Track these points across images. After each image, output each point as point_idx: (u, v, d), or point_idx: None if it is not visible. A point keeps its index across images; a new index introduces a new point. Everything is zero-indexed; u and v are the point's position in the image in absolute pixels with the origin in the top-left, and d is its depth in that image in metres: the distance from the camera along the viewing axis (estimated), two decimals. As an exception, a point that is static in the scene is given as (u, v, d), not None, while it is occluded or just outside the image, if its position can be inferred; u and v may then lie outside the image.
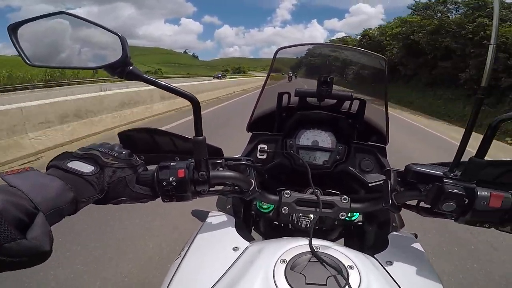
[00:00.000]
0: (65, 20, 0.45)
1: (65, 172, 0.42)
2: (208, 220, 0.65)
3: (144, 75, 0.44)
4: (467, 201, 0.46)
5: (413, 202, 0.54)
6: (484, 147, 0.43)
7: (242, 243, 0.55)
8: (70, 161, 0.43)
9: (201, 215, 0.74)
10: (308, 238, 0.50)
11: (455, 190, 0.45)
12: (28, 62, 0.43)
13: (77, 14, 0.44)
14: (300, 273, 0.42)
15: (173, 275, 0.49)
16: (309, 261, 0.44)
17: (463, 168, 0.46)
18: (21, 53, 0.43)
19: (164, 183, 0.48)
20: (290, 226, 0.76)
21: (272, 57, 0.81)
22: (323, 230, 0.78)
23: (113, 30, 0.44)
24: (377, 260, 0.52)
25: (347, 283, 0.40)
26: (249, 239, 0.58)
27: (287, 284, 0.40)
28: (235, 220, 0.64)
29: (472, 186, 0.45)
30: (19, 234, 0.31)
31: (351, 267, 0.43)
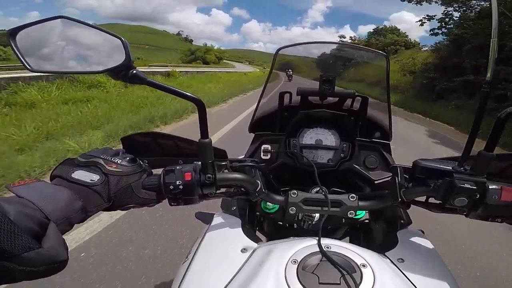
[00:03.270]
0: (65, 25, 0.45)
1: (71, 183, 0.41)
2: (214, 222, 0.64)
3: (148, 79, 0.43)
4: (478, 195, 0.45)
5: (422, 198, 0.54)
6: (493, 140, 0.43)
7: (250, 244, 0.54)
8: (74, 171, 0.43)
9: (206, 218, 0.73)
10: (317, 237, 0.49)
11: (466, 185, 0.44)
12: (29, 68, 0.42)
13: (77, 18, 0.44)
14: (313, 273, 0.41)
15: (182, 278, 0.49)
16: (321, 260, 0.44)
17: (473, 162, 0.46)
18: (22, 59, 0.42)
19: (171, 187, 0.48)
20: (295, 226, 0.76)
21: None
22: (328, 229, 0.77)
23: (114, 33, 0.44)
24: (388, 258, 0.52)
25: (361, 282, 0.40)
26: (256, 240, 0.57)
27: (300, 284, 0.39)
28: (241, 221, 0.63)
29: (483, 180, 0.45)
30: (36, 243, 0.31)
31: (364, 266, 0.43)
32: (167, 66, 20.14)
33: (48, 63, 0.45)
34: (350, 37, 36.80)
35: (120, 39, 0.42)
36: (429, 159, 0.55)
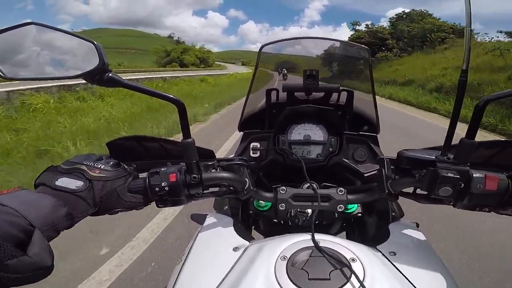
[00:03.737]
0: (35, 31, 0.44)
1: (55, 190, 0.41)
2: (206, 222, 0.64)
3: (125, 81, 0.43)
4: (463, 184, 0.45)
5: (410, 190, 0.54)
6: (473, 128, 0.43)
7: (242, 243, 0.54)
8: (58, 178, 0.43)
9: (200, 219, 0.72)
10: (307, 233, 0.49)
11: (449, 174, 0.44)
12: (2, 75, 0.41)
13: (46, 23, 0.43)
14: (302, 268, 0.41)
15: (175, 280, 0.48)
16: (310, 256, 0.43)
17: (455, 151, 0.46)
18: None
19: (157, 189, 0.47)
20: (289, 223, 0.76)
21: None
22: (323, 224, 0.77)
23: (86, 37, 0.43)
24: (379, 251, 0.52)
25: (351, 276, 0.39)
26: (249, 238, 0.57)
27: (290, 281, 0.39)
28: (233, 220, 0.63)
29: (466, 169, 0.45)
30: (19, 251, 0.32)
31: (353, 260, 0.43)
32: (136, 72, 17.18)
33: (22, 70, 0.45)
34: (366, 24, 29.98)
35: (93, 42, 0.41)
36: (414, 149, 0.55)
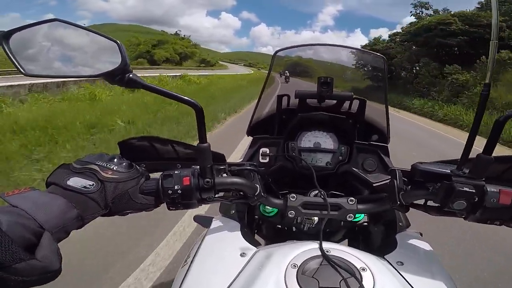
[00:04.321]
0: (59, 28, 0.44)
1: (66, 190, 0.41)
2: (213, 226, 0.64)
3: (144, 82, 0.43)
4: (477, 199, 0.45)
5: (420, 201, 0.53)
6: (491, 144, 0.43)
7: (249, 248, 0.54)
8: (70, 178, 0.42)
9: (205, 221, 0.72)
10: (316, 241, 0.49)
11: (465, 188, 0.44)
12: (23, 72, 0.42)
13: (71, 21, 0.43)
14: (312, 277, 0.41)
15: (181, 283, 0.48)
16: (321, 264, 0.43)
17: (471, 166, 0.45)
18: (16, 63, 0.41)
19: (170, 192, 0.47)
20: (294, 229, 0.75)
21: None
22: (327, 231, 0.77)
23: (109, 36, 0.43)
24: (387, 261, 0.52)
25: (361, 286, 0.39)
26: (255, 244, 0.57)
27: None
28: (240, 225, 0.63)
29: (481, 184, 0.45)
30: (28, 254, 0.31)
31: (363, 269, 0.43)
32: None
33: (42, 68, 0.45)
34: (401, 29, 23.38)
35: (116, 42, 0.42)
36: (428, 162, 0.55)
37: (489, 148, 0.43)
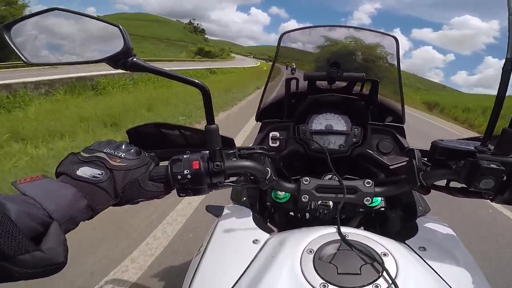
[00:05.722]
0: (61, 16, 0.43)
1: (76, 180, 0.40)
2: (225, 214, 0.63)
3: (149, 65, 0.41)
4: (505, 177, 0.42)
5: (442, 182, 0.51)
6: None
7: (262, 235, 0.53)
8: (79, 167, 0.42)
9: (217, 210, 0.72)
10: (333, 226, 0.47)
11: (492, 165, 0.41)
12: (26, 61, 0.41)
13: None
14: (330, 262, 0.39)
15: (195, 272, 0.48)
16: (338, 249, 0.42)
17: (497, 141, 0.42)
18: (18, 52, 0.41)
19: (179, 177, 0.46)
20: (307, 216, 0.74)
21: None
22: (342, 218, 0.75)
23: (111, 22, 0.42)
24: (409, 246, 0.49)
25: (385, 271, 0.37)
26: (269, 231, 0.56)
27: (317, 275, 0.38)
28: (251, 212, 0.62)
29: (509, 160, 0.42)
30: (33, 245, 0.31)
31: (385, 255, 0.41)
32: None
33: (45, 55, 0.44)
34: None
35: (118, 26, 0.41)
36: (448, 139, 0.52)
37: None
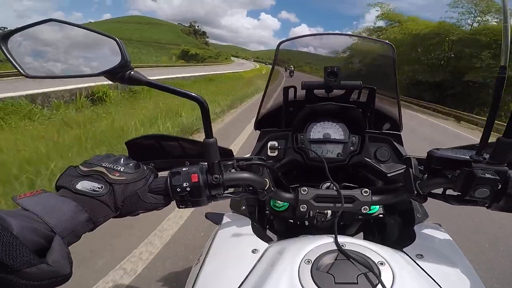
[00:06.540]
0: (56, 28, 0.43)
1: (76, 194, 0.41)
2: (224, 223, 0.63)
3: (146, 79, 0.42)
4: (500, 186, 0.42)
5: (439, 190, 0.51)
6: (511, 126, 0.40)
7: (261, 244, 0.53)
8: (78, 181, 0.42)
9: (216, 218, 0.72)
10: (330, 235, 0.47)
11: (487, 175, 0.42)
12: (24, 74, 0.41)
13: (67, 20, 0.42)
14: (328, 272, 0.40)
15: (195, 281, 0.48)
16: (336, 259, 0.42)
17: (492, 150, 0.43)
18: (16, 65, 0.41)
19: (178, 189, 0.46)
20: (306, 224, 0.74)
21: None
22: (341, 225, 0.75)
23: (107, 34, 0.42)
24: (406, 254, 0.50)
25: (380, 281, 0.38)
26: (268, 239, 0.56)
27: (315, 285, 0.38)
28: (250, 221, 0.62)
29: (504, 169, 0.42)
30: (38, 259, 0.31)
31: (381, 264, 0.41)
32: None
33: (43, 68, 0.44)
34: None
35: (115, 39, 0.41)
36: (444, 148, 0.52)
37: (510, 130, 0.40)
